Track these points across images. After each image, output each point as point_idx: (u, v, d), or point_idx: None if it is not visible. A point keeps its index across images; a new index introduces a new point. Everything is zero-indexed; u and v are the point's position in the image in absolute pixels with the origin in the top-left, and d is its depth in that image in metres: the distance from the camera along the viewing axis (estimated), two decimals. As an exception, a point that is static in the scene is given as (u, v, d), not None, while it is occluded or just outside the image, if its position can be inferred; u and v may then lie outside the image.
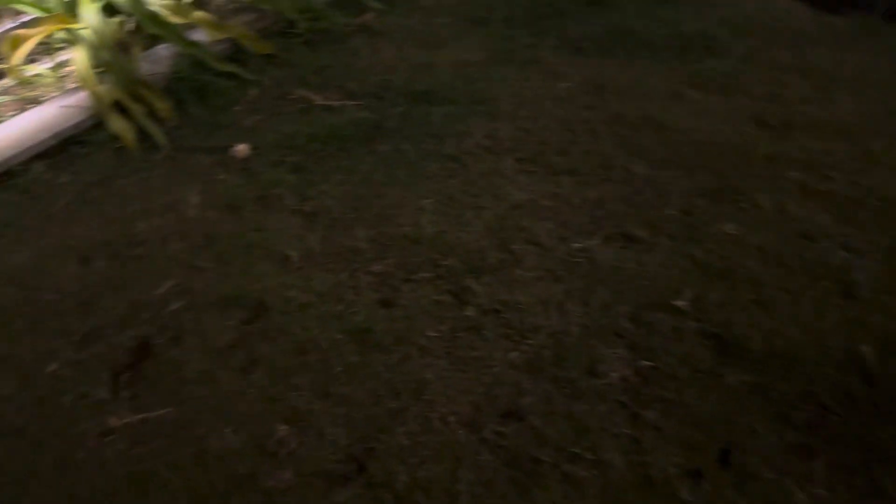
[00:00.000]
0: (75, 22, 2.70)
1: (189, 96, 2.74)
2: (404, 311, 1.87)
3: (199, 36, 2.91)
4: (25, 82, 2.78)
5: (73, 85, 2.76)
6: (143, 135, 2.54)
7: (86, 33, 2.63)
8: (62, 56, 2.95)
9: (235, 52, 2.98)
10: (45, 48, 2.94)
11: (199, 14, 2.90)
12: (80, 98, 2.64)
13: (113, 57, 2.62)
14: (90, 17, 2.64)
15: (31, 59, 2.83)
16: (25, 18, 2.99)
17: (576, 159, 2.38)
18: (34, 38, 2.66)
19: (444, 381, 1.69)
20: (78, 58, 2.60)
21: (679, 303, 1.84)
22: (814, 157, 2.26)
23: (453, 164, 2.41)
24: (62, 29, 2.79)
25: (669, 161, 2.32)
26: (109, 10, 2.78)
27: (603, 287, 1.91)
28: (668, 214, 2.12)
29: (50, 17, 2.74)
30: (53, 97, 2.71)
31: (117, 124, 2.54)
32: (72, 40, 2.80)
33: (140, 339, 1.82)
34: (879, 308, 1.76)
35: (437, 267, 2.00)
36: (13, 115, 2.63)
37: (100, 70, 2.63)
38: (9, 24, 3.01)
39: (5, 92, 2.78)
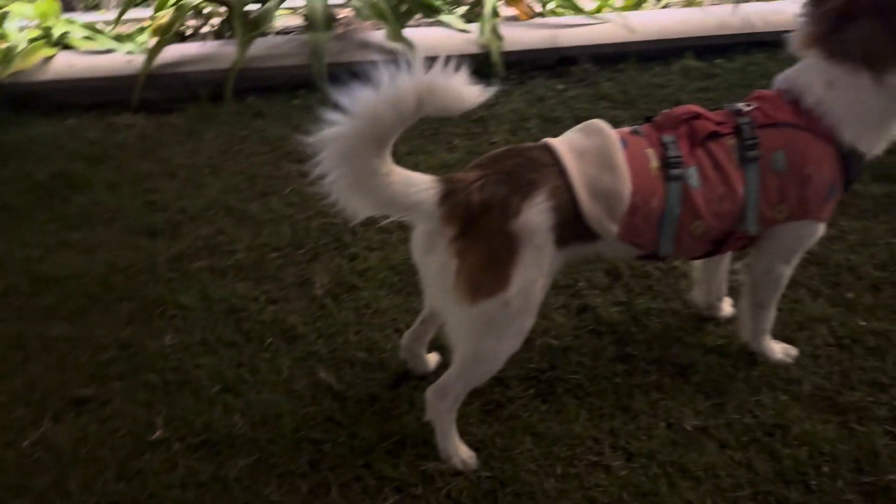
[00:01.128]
0: None
1: None
2: None
3: None
4: None
5: None
6: None
7: None
8: None
9: None
10: None
11: None
12: None
13: None
14: None
15: None
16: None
17: (-21, 356, 2.06)
18: None
19: None
20: None
21: (156, 435, 1.77)
22: (212, 242, 2.43)
23: None
24: None
25: (85, 308, 2.20)
26: None
27: (77, 467, 1.72)
28: (108, 358, 2.02)
29: None
30: None
31: None
32: None
33: None
34: (317, 335, 2.01)
35: None
36: None
37: None
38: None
39: None
